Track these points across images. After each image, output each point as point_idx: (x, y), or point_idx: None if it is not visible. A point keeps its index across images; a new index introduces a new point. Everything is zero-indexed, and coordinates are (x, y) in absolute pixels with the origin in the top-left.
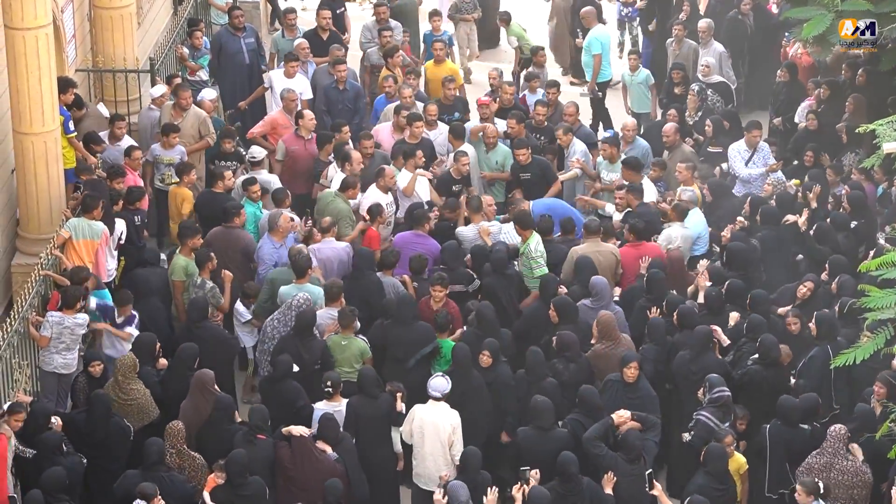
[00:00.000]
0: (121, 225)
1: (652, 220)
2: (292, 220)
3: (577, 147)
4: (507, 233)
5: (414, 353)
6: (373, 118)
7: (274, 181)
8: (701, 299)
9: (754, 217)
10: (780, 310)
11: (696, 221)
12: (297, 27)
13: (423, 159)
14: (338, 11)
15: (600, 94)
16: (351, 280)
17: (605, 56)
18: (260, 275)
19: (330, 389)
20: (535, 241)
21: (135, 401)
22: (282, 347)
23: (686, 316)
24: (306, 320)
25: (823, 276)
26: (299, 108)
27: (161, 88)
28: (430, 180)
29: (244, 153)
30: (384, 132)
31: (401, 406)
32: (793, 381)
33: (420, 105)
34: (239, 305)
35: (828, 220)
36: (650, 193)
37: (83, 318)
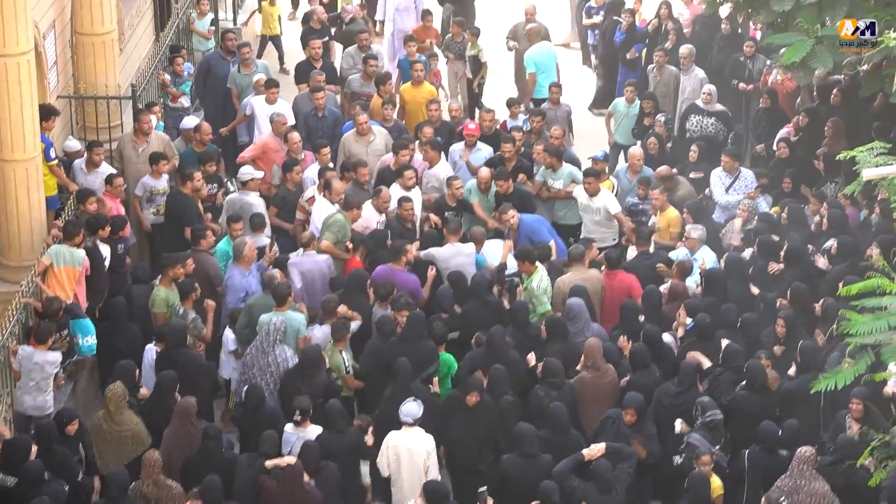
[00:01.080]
0: (105, 250)
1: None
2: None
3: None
4: (497, 248)
5: (419, 371)
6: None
7: (259, 204)
8: (681, 333)
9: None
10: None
11: (709, 259)
12: (252, 61)
13: (413, 179)
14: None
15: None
16: (342, 301)
17: (545, 75)
18: (228, 304)
19: (298, 418)
20: (538, 278)
21: (129, 430)
22: (285, 382)
23: (637, 355)
24: (310, 357)
25: (781, 302)
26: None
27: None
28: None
29: (224, 178)
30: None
31: (370, 439)
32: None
33: (378, 131)
34: (228, 332)
35: (834, 243)
36: (612, 205)
37: (55, 356)
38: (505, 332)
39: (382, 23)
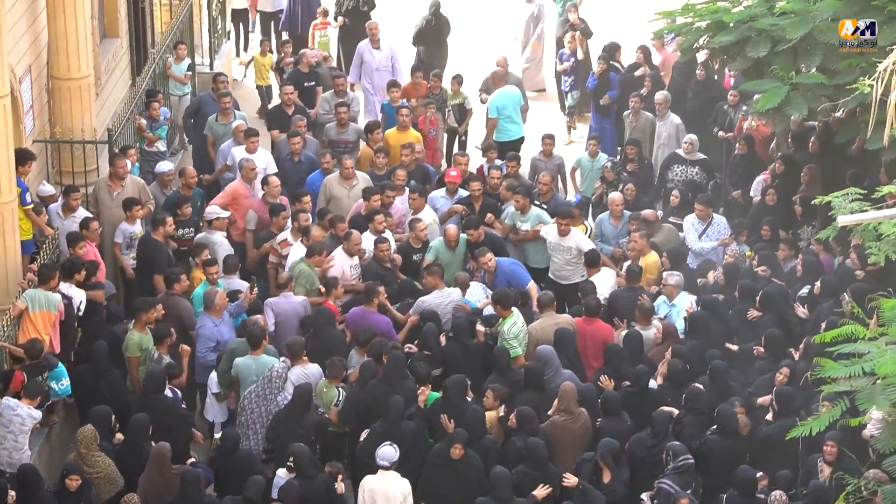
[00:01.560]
0: (80, 295)
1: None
2: (242, 291)
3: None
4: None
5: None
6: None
7: (225, 244)
8: (660, 380)
9: (731, 290)
10: (760, 400)
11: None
12: (231, 111)
13: (383, 224)
14: (306, 85)
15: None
16: (313, 338)
17: (509, 117)
18: (199, 354)
19: (291, 464)
20: (510, 323)
21: (101, 472)
22: (276, 421)
23: (608, 402)
24: (302, 396)
25: (757, 349)
26: (259, 177)
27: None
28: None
29: (200, 222)
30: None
31: (341, 487)
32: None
33: (361, 177)
34: (213, 375)
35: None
36: (585, 244)
37: (37, 413)
38: (464, 381)
39: (353, 85)
